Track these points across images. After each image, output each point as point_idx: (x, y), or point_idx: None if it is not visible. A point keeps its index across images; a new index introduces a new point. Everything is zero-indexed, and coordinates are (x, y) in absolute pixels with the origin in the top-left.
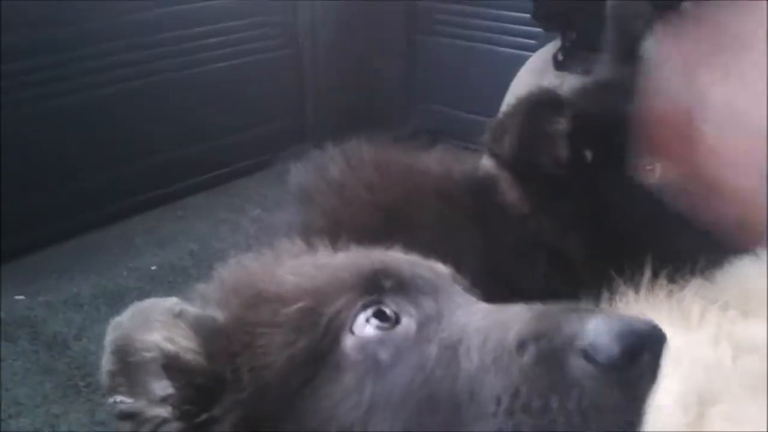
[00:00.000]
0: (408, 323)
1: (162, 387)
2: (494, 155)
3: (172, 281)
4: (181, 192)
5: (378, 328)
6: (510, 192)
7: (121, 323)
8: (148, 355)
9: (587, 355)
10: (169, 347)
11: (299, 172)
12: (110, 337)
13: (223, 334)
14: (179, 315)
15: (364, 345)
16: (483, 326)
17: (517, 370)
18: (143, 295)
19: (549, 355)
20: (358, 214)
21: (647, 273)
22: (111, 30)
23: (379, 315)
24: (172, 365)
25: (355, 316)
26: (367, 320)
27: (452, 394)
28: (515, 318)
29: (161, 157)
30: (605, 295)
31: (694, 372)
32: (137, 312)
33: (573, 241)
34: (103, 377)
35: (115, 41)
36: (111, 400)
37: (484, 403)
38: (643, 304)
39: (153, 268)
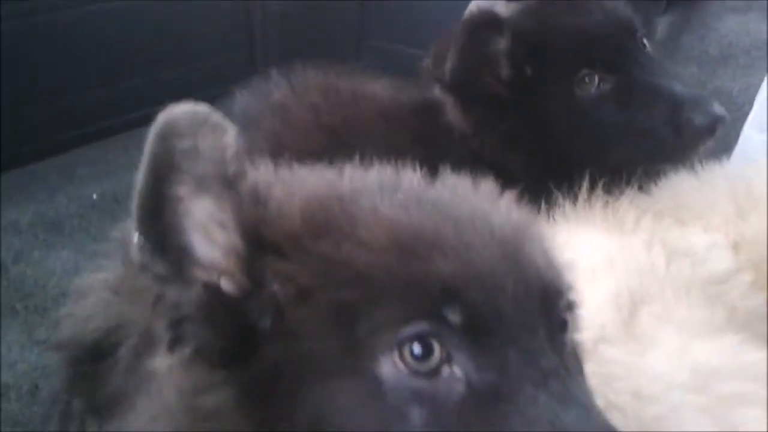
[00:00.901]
0: (454, 377)
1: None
2: (436, 79)
3: (113, 210)
4: (127, 124)
5: (412, 366)
6: (453, 113)
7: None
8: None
9: None
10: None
11: (243, 99)
12: (159, 152)
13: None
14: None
15: (403, 384)
16: None
17: None
18: (83, 223)
19: None
20: (301, 135)
21: (585, 185)
22: None
23: (423, 346)
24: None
25: (401, 345)
26: (410, 351)
27: None
28: None
29: (106, 90)
30: (544, 207)
31: (628, 273)
32: (206, 135)
33: (513, 156)
34: (136, 199)
35: None
36: (137, 238)
37: None
38: (580, 215)
39: (94, 197)
